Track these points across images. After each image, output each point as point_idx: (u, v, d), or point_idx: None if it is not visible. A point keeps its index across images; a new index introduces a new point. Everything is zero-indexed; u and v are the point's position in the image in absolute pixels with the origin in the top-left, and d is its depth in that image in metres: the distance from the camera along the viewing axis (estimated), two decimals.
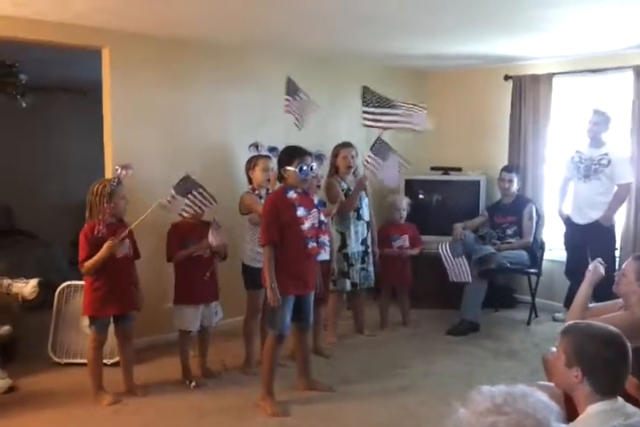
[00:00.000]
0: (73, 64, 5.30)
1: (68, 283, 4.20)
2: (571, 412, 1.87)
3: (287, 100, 4.35)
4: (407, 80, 6.11)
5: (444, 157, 6.10)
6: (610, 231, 4.80)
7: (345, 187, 4.50)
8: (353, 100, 5.63)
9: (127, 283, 3.59)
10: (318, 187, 4.18)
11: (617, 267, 4.40)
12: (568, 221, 5.02)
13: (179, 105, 4.53)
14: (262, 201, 3.80)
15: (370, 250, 4.62)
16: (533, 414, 1.35)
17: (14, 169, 6.73)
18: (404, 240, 4.94)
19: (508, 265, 4.90)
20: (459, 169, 5.91)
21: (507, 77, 5.65)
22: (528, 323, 5.10)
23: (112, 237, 3.40)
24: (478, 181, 5.68)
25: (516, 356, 4.35)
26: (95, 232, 3.39)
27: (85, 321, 3.67)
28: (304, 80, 5.21)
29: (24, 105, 5.91)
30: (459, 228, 5.09)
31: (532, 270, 5.14)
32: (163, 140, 4.48)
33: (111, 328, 3.63)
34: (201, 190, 3.64)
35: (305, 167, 3.38)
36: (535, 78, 5.41)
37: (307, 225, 3.41)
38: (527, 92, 5.46)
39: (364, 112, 4.30)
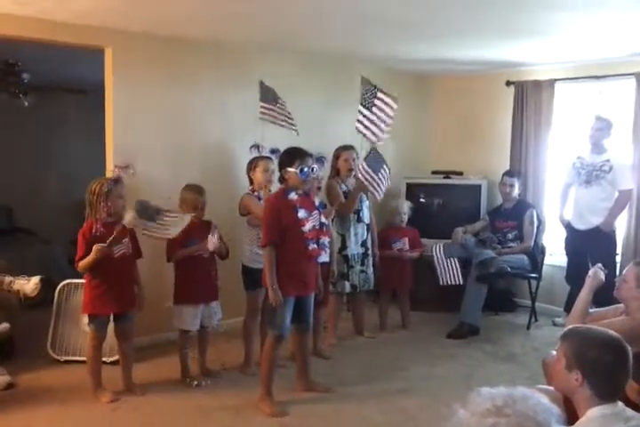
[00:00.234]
0: (75, 63, 5.31)
1: (68, 281, 4.21)
2: (570, 415, 1.87)
3: (263, 107, 4.33)
4: (409, 84, 6.13)
5: (445, 160, 6.11)
6: (610, 237, 4.80)
7: (345, 189, 4.50)
8: (355, 102, 5.64)
9: (127, 281, 3.59)
10: (319, 189, 4.19)
11: (617, 272, 4.40)
12: (569, 227, 5.02)
13: (180, 105, 4.54)
14: (262, 202, 3.81)
15: (370, 252, 4.62)
16: (534, 417, 1.36)
17: (15, 168, 6.74)
18: (404, 243, 4.95)
19: (509, 269, 4.90)
20: (460, 173, 5.92)
21: (509, 83, 5.67)
22: (528, 327, 5.10)
23: (111, 239, 3.40)
24: (479, 186, 5.69)
25: (515, 360, 4.36)
26: (93, 231, 3.39)
27: (85, 319, 3.68)
28: (306, 81, 5.25)
29: (26, 104, 5.92)
30: (459, 232, 5.10)
31: (533, 275, 5.14)
32: (164, 140, 4.49)
33: (111, 327, 3.63)
34: (164, 215, 3.55)
35: (306, 169, 3.39)
36: (537, 84, 5.42)
37: (307, 227, 3.42)
38: (529, 97, 5.47)
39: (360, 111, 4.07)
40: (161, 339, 4.35)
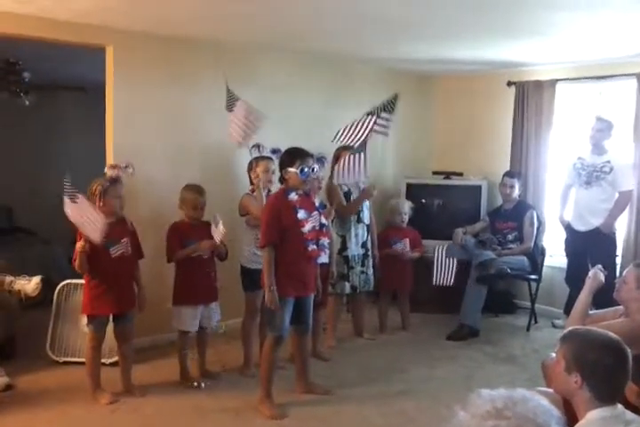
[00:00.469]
0: (75, 62, 5.30)
1: (68, 281, 4.20)
2: (570, 418, 1.86)
3: (231, 116, 4.05)
4: (410, 84, 6.13)
5: (445, 161, 6.11)
6: (610, 238, 4.80)
7: (346, 189, 4.50)
8: (355, 102, 5.64)
9: (126, 282, 3.58)
10: (320, 188, 4.18)
11: (617, 274, 4.40)
12: (569, 228, 5.01)
13: (181, 104, 4.54)
14: (255, 196, 3.83)
15: (370, 253, 4.62)
16: (534, 419, 1.35)
17: (15, 167, 6.73)
18: (405, 243, 4.94)
19: (509, 271, 4.89)
20: (460, 174, 5.92)
21: (510, 83, 5.66)
22: (528, 329, 5.09)
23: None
24: (480, 186, 5.69)
25: (515, 361, 4.35)
26: None
27: (84, 320, 3.67)
28: (306, 81, 5.24)
29: (27, 103, 5.92)
30: (459, 233, 5.10)
31: (533, 276, 5.13)
32: (164, 140, 4.48)
33: (110, 328, 3.63)
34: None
35: (306, 169, 3.38)
36: (538, 84, 5.41)
37: (307, 227, 3.41)
38: (530, 98, 5.46)
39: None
40: (160, 340, 4.34)
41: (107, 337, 3.61)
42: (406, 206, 5.04)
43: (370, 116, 3.88)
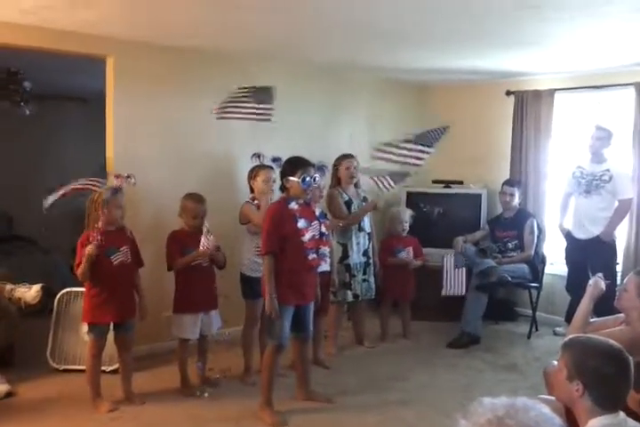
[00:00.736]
0: (76, 73, 5.33)
1: (68, 289, 4.20)
2: (572, 426, 1.86)
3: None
4: (409, 93, 6.17)
5: (445, 170, 6.11)
6: (611, 247, 4.80)
7: (347, 198, 4.52)
8: (355, 111, 5.68)
9: (126, 290, 3.59)
10: (321, 197, 4.20)
11: (618, 282, 4.40)
12: (569, 236, 5.02)
13: (181, 114, 4.55)
14: (255, 205, 3.85)
15: (371, 261, 4.62)
16: None
17: (16, 176, 6.74)
18: (409, 252, 4.94)
19: (509, 279, 4.89)
20: (460, 182, 5.93)
21: (509, 93, 5.69)
22: (528, 337, 5.09)
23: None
24: (480, 195, 5.70)
25: (516, 369, 4.34)
26: (90, 240, 3.39)
27: (85, 328, 3.67)
28: (307, 90, 5.27)
29: (28, 112, 5.93)
30: (460, 241, 5.10)
31: (533, 284, 5.14)
32: (165, 150, 4.50)
33: (111, 336, 3.62)
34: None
35: (308, 178, 3.40)
36: (537, 94, 5.44)
37: (307, 237, 3.42)
38: (529, 107, 5.49)
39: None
40: (160, 348, 4.33)
41: (107, 345, 3.61)
42: (407, 215, 5.05)
43: (411, 144, 3.93)
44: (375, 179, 4.21)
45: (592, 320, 2.95)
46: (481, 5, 3.19)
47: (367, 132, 5.74)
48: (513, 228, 5.20)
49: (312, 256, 3.46)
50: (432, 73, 5.51)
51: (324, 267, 3.94)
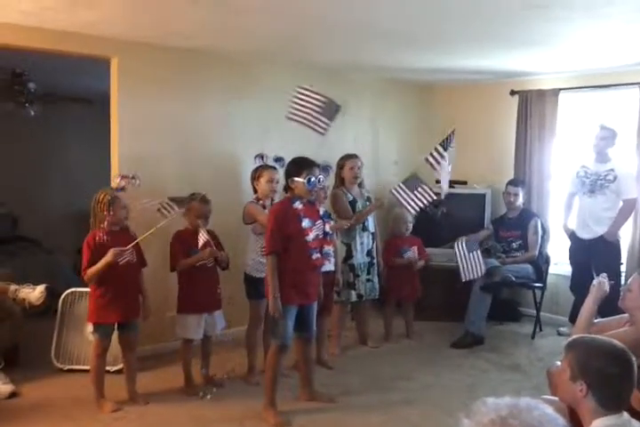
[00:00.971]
0: (81, 74, 5.34)
1: (72, 290, 4.21)
2: (576, 426, 1.86)
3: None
4: (414, 93, 6.16)
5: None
6: (615, 246, 4.79)
7: (351, 198, 4.51)
8: (359, 111, 5.67)
9: (132, 290, 3.60)
10: (325, 197, 4.20)
11: (622, 282, 4.38)
12: (573, 236, 5.01)
13: (186, 115, 4.57)
14: (266, 211, 3.82)
15: (375, 261, 4.62)
16: None
17: (20, 177, 6.76)
18: (414, 252, 4.93)
19: (513, 279, 4.88)
20: (464, 182, 5.92)
21: (513, 92, 5.68)
22: (532, 337, 5.08)
23: (118, 247, 3.41)
24: (484, 195, 5.69)
25: (520, 369, 4.34)
26: (97, 240, 3.41)
27: (89, 328, 3.68)
28: None
29: (32, 113, 5.95)
30: (461, 239, 5.07)
31: (537, 284, 5.12)
32: (169, 150, 4.50)
33: (115, 336, 3.63)
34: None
35: (313, 179, 3.40)
36: (541, 93, 5.43)
37: (311, 236, 3.43)
38: (533, 107, 5.48)
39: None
40: (164, 348, 4.34)
41: (111, 345, 3.62)
42: (410, 215, 5.04)
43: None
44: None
45: (596, 321, 2.94)
46: (490, 5, 3.18)
47: (371, 133, 5.73)
48: (517, 228, 5.19)
49: (316, 256, 3.46)
50: (436, 73, 5.50)
51: (329, 266, 3.93)
